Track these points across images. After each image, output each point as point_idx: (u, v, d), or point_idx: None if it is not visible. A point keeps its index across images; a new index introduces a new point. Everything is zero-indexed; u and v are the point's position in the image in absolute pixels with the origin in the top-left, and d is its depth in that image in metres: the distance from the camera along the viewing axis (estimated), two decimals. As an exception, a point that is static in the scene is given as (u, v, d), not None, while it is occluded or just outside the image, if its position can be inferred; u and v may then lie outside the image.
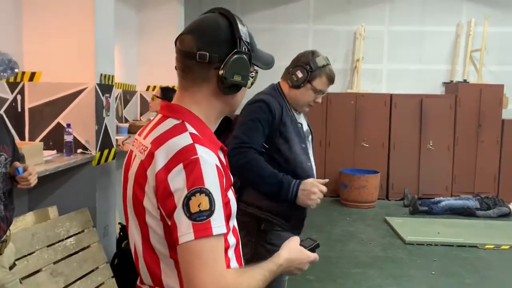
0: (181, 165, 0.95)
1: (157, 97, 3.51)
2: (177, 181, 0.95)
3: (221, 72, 1.04)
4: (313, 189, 1.83)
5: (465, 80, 6.93)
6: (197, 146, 0.99)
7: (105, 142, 3.29)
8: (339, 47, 7.18)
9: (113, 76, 3.41)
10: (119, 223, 3.80)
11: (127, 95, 5.37)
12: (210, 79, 1.07)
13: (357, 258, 4.28)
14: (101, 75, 3.20)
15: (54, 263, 2.68)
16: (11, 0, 3.03)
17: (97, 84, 3.14)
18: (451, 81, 7.04)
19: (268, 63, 1.20)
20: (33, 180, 2.02)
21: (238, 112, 1.92)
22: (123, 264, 3.36)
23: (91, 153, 3.15)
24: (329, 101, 6.75)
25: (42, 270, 2.57)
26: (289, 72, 1.97)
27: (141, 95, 5.80)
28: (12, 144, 2.01)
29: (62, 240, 2.81)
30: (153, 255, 1.04)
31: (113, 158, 3.46)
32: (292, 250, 1.19)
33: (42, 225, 2.73)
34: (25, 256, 2.50)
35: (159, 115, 1.12)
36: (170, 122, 1.06)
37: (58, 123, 3.14)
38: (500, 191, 6.60)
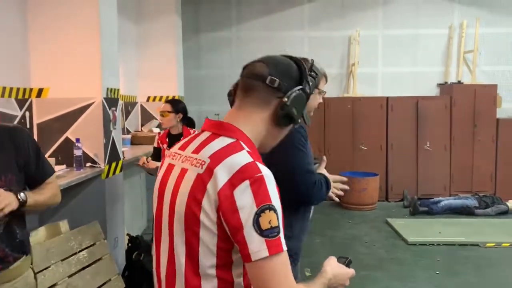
0: (247, 182, 0.97)
1: (169, 112, 3.46)
2: (244, 198, 0.96)
3: (285, 99, 1.11)
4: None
5: (459, 81, 7.05)
6: (258, 164, 1.01)
7: (112, 155, 3.34)
8: (335, 52, 7.28)
9: (118, 90, 3.46)
10: (127, 234, 3.83)
11: (128, 106, 5.42)
12: (270, 105, 1.12)
13: (362, 261, 4.33)
14: (108, 89, 3.25)
15: (69, 276, 2.72)
16: (17, 18, 3.08)
17: (104, 98, 3.19)
18: (446, 83, 7.16)
19: (307, 118, 1.22)
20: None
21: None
22: (133, 275, 3.40)
23: (100, 167, 3.19)
24: (327, 106, 6.82)
25: (58, 284, 2.61)
26: None
27: (141, 106, 5.85)
28: (21, 169, 1.64)
29: (76, 253, 2.85)
30: (195, 272, 1.05)
31: (121, 170, 3.50)
32: (334, 266, 1.23)
33: (55, 240, 2.77)
34: (41, 270, 2.54)
35: (207, 133, 1.14)
36: (224, 140, 1.08)
37: (67, 138, 3.19)
38: (497, 189, 6.71)
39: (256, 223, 0.95)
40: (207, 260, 1.04)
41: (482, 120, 6.71)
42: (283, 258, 0.98)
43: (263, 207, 0.96)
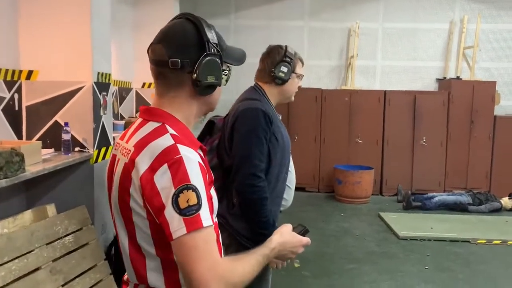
0: (165, 165, 1.00)
1: None
2: (164, 180, 0.99)
3: (194, 76, 1.09)
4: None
5: (458, 77, 7.00)
6: (179, 146, 1.03)
7: (102, 140, 3.31)
8: (334, 44, 7.21)
9: (110, 74, 3.42)
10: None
11: (123, 92, 5.38)
12: (185, 83, 1.11)
13: (352, 254, 4.33)
14: (98, 73, 3.21)
15: (53, 261, 2.70)
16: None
17: (94, 82, 3.15)
18: (444, 78, 7.11)
19: (239, 59, 1.25)
20: None
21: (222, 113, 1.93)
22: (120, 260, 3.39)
23: (88, 151, 3.17)
24: (324, 98, 6.79)
25: (41, 268, 2.59)
26: (273, 72, 1.93)
27: (136, 92, 5.81)
28: None
29: (61, 238, 2.83)
30: (139, 254, 1.09)
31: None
32: (284, 234, 1.27)
33: (41, 223, 2.75)
34: (24, 254, 2.52)
35: (140, 119, 1.16)
36: (151, 125, 1.10)
37: (56, 122, 3.16)
38: (492, 186, 6.69)
39: (175, 203, 0.97)
40: (145, 242, 1.07)
41: (479, 117, 6.68)
42: (204, 234, 0.99)
43: (182, 187, 0.98)
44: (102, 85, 3.27)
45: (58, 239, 2.81)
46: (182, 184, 0.98)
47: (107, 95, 3.37)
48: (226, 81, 1.22)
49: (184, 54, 1.09)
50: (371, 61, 7.24)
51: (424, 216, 5.65)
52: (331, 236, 4.86)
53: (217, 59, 1.12)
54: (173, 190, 0.98)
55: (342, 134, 6.81)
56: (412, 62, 7.23)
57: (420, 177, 6.73)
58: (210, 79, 1.11)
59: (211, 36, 1.12)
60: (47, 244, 2.71)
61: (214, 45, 1.12)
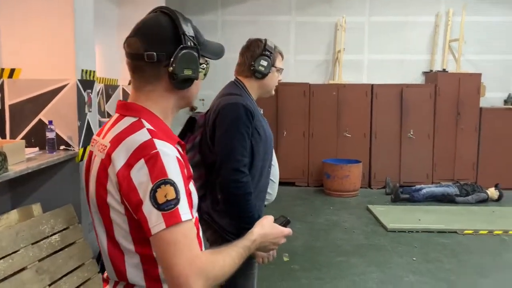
0: (142, 161, 0.99)
1: None
2: (141, 176, 0.98)
3: (170, 69, 1.08)
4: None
5: (444, 70, 7.06)
6: (156, 140, 1.02)
7: (87, 138, 3.28)
8: (321, 38, 7.22)
9: (94, 72, 3.39)
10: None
11: (109, 89, 5.34)
12: (161, 77, 1.10)
13: (341, 247, 4.37)
14: (82, 70, 3.18)
15: (39, 260, 2.68)
16: (-13, -4, 2.98)
17: (79, 80, 3.13)
18: (431, 71, 7.16)
19: (218, 53, 1.24)
20: None
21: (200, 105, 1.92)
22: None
23: (74, 150, 3.14)
24: (312, 93, 6.81)
25: (27, 268, 2.57)
26: (253, 66, 1.92)
27: (123, 89, 5.77)
28: None
29: (47, 237, 2.81)
30: (117, 251, 1.08)
31: (97, 154, 3.45)
32: (264, 226, 1.28)
33: (26, 223, 2.72)
34: (9, 254, 2.50)
35: (116, 115, 1.15)
36: (128, 120, 1.09)
37: (40, 120, 3.12)
38: (479, 177, 6.78)
39: (153, 198, 0.97)
40: (124, 239, 1.06)
41: (465, 109, 6.75)
42: (183, 229, 0.98)
43: (159, 182, 0.97)
44: (86, 82, 3.24)
45: (44, 238, 2.79)
46: (160, 179, 0.97)
47: (91, 93, 3.34)
48: (205, 75, 1.21)
49: (160, 47, 1.08)
50: (358, 55, 7.26)
51: (412, 208, 5.70)
52: (320, 229, 4.89)
53: (194, 52, 1.11)
54: (150, 185, 0.97)
55: (331, 128, 6.84)
56: (398, 55, 7.26)
57: (408, 169, 6.79)
58: (187, 72, 1.10)
59: (187, 29, 1.11)
60: (32, 243, 2.69)
61: (191, 38, 1.11)
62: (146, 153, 0.99)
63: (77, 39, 3.09)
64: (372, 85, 6.83)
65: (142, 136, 1.03)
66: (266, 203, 2.01)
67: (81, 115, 3.18)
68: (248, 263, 1.86)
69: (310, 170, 6.88)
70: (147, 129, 1.05)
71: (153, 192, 0.97)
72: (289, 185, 6.66)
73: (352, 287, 3.50)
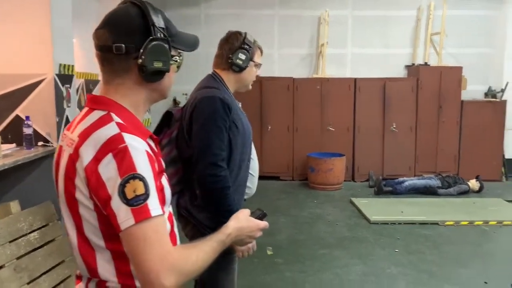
0: (110, 155, 0.97)
1: None
2: (109, 170, 0.96)
3: (139, 61, 1.05)
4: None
5: (426, 63, 7.12)
6: (124, 134, 1.00)
7: (67, 133, 3.23)
8: (304, 32, 7.21)
9: (73, 66, 3.33)
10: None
11: (90, 84, 5.25)
12: (131, 70, 1.08)
13: (324, 240, 4.39)
14: (60, 65, 3.12)
15: (17, 258, 2.64)
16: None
17: (56, 74, 3.07)
18: (413, 64, 7.22)
19: (191, 45, 1.22)
20: None
21: (181, 101, 1.90)
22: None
23: (53, 146, 3.09)
24: (296, 87, 6.81)
25: (5, 266, 2.53)
26: (230, 59, 1.90)
27: (104, 84, 5.69)
28: None
29: (25, 234, 2.77)
30: (88, 247, 1.06)
31: (76, 150, 3.40)
32: (240, 219, 1.26)
33: (3, 221, 2.67)
34: (-14, 252, 2.46)
35: (86, 108, 1.12)
36: (97, 114, 1.07)
37: (17, 116, 3.07)
38: (460, 169, 6.87)
39: (122, 193, 0.95)
40: (93, 235, 1.04)
41: (447, 102, 6.82)
42: (153, 224, 0.97)
43: (128, 177, 0.95)
44: (64, 77, 3.18)
45: (22, 236, 2.75)
46: (128, 174, 0.95)
47: (70, 87, 3.29)
48: (178, 67, 1.19)
49: (129, 38, 1.06)
50: (341, 49, 7.27)
51: (395, 200, 5.76)
52: (304, 223, 4.91)
53: (164, 44, 1.08)
54: (119, 180, 0.95)
55: (314, 122, 6.85)
56: (381, 49, 7.30)
57: (391, 162, 6.85)
58: (157, 64, 1.07)
59: (157, 20, 1.08)
60: (10, 241, 2.64)
61: (161, 29, 1.08)
62: (114, 147, 0.97)
63: (54, 33, 3.03)
64: (355, 79, 6.86)
65: (110, 130, 1.01)
66: (245, 197, 2.00)
67: (60, 111, 3.13)
68: (228, 258, 1.85)
69: (294, 164, 6.89)
70: (116, 122, 1.03)
71: (122, 187, 0.95)
72: (274, 179, 6.67)
73: (335, 280, 3.52)
